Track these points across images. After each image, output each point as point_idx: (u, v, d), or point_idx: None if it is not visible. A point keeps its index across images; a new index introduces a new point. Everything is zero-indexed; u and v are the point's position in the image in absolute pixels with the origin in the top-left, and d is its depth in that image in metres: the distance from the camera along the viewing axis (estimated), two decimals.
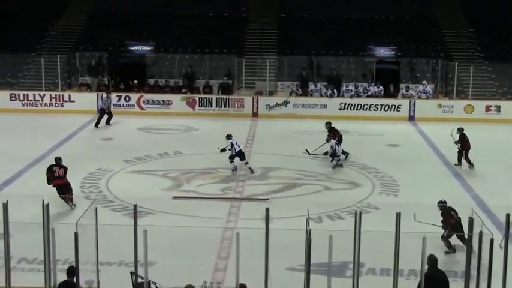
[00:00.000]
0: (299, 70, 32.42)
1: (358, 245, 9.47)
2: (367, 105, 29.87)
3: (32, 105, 29.91)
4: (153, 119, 28.33)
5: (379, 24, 35.65)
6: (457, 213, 14.24)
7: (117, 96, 29.76)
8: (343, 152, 22.01)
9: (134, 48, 33.19)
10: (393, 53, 33.51)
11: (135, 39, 33.53)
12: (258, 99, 30.14)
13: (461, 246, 13.72)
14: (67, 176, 17.08)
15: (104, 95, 28.53)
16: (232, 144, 20.57)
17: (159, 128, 25.93)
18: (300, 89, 31.12)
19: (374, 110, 29.77)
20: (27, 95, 30.08)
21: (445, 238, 14.24)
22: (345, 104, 29.95)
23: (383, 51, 33.46)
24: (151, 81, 32.04)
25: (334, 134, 22.73)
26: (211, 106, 29.98)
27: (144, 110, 29.76)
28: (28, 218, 11.42)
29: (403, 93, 31.09)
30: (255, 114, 29.79)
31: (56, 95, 30.07)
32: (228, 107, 29.91)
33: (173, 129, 26.67)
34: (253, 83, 32.62)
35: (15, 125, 26.85)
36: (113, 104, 28.79)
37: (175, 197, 17.90)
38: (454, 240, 14.17)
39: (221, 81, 31.59)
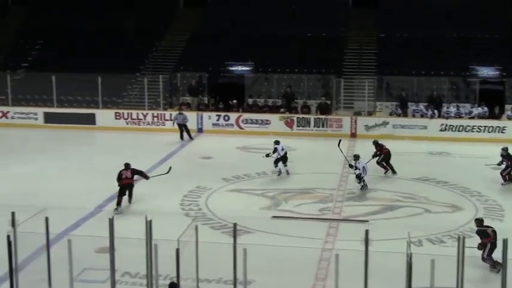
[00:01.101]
0: (398, 90, 31.97)
1: (462, 271, 9.20)
2: (469, 126, 29.12)
3: (135, 124, 30.83)
4: (252, 138, 28.59)
5: (482, 43, 34.75)
6: (494, 232, 13.97)
7: (216, 115, 30.27)
8: (392, 169, 22.30)
9: (234, 68, 33.63)
10: (498, 72, 32.55)
11: (235, 60, 34.01)
12: (356, 120, 29.94)
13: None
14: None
15: (177, 112, 29.45)
16: (276, 149, 22.12)
17: (258, 147, 26.13)
18: (399, 110, 30.68)
19: (477, 131, 28.97)
20: (131, 113, 31.05)
21: (487, 258, 13.84)
22: (446, 125, 29.31)
23: (487, 71, 32.54)
24: (250, 100, 32.37)
25: (380, 150, 22.68)
26: (309, 126, 29.98)
27: (243, 129, 30.09)
28: (131, 234, 11.70)
29: (508, 115, 30.12)
30: (353, 135, 29.58)
31: (157, 113, 30.88)
32: (326, 127, 29.83)
33: (271, 148, 26.73)
34: (352, 103, 32.41)
35: (119, 143, 27.67)
36: (212, 123, 29.75)
37: (274, 217, 17.93)
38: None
39: (319, 101, 31.52)
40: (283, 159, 22.36)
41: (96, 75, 31.46)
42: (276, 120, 30.09)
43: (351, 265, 10.21)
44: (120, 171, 18.84)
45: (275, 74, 33.76)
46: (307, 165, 23.78)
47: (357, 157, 20.79)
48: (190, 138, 28.62)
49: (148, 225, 9.97)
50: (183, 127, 28.72)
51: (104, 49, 35.70)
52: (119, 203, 18.33)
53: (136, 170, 19.14)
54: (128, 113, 31.10)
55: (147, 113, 31.02)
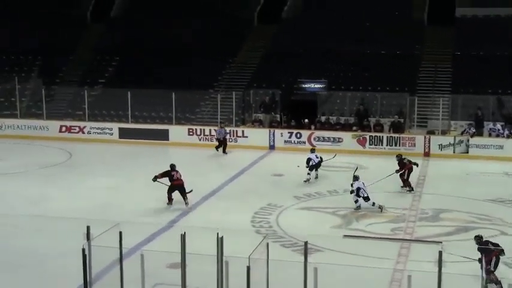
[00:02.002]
0: (474, 109, 31.33)
1: None
2: None
3: (208, 140, 31.14)
4: (324, 156, 28.33)
5: None
6: (497, 246, 13.84)
7: (288, 132, 30.34)
8: (409, 185, 22.64)
9: (306, 85, 33.64)
10: None
11: (308, 77, 34.06)
12: (430, 139, 29.47)
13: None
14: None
15: (218, 126, 30.02)
16: (310, 158, 24.12)
17: (330, 165, 26.05)
18: (473, 129, 30.05)
19: None
20: (204, 130, 31.40)
21: (491, 272, 13.49)
22: None
23: None
24: (323, 118, 32.27)
25: (402, 167, 22.67)
26: (382, 144, 29.70)
27: (315, 146, 29.95)
28: (203, 250, 11.80)
29: None
30: (426, 154, 29.12)
31: (230, 130, 31.13)
32: (399, 145, 29.48)
33: (343, 166, 26.60)
34: (426, 122, 31.94)
35: (192, 159, 27.97)
36: (284, 141, 29.98)
37: (345, 236, 17.78)
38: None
39: (392, 120, 31.19)
40: (317, 166, 24.35)
41: (171, 91, 32.03)
42: (348, 138, 29.92)
43: (423, 287, 10.03)
44: (171, 172, 20.49)
45: (348, 91, 33.58)
46: (379, 184, 23.49)
47: (356, 178, 20.53)
48: (224, 152, 29.18)
49: (220, 241, 10.03)
50: (221, 141, 29.54)
51: (178, 65, 36.29)
52: (170, 200, 20.42)
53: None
54: (200, 129, 31.46)
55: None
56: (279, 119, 32.59)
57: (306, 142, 30.19)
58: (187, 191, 20.52)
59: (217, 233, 10.18)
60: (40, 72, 38.01)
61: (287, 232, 17.95)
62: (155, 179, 20.32)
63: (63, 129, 33.07)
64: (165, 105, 33.17)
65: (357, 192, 20.30)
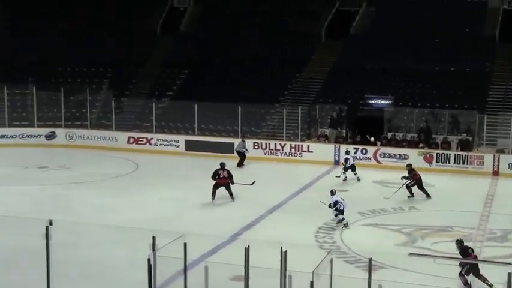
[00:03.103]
0: None
1: None
2: None
3: (273, 154, 31.25)
4: (389, 173, 28.15)
5: None
6: (473, 251, 15.06)
7: (354, 148, 30.11)
8: (426, 193, 23.72)
9: (373, 101, 33.45)
10: None
11: (375, 93, 33.85)
12: (499, 157, 28.82)
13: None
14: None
15: (240, 140, 30.48)
16: (347, 159, 26.57)
17: (396, 182, 25.78)
18: None
19: None
20: (269, 144, 31.50)
21: (463, 275, 14.62)
22: None
23: None
24: (389, 134, 31.94)
25: (413, 177, 23.78)
26: (449, 162, 29.20)
27: (380, 163, 29.76)
28: (266, 263, 11.80)
29: None
30: (495, 173, 28.49)
31: (295, 145, 31.15)
32: (467, 164, 28.93)
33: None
34: (495, 140, 31.23)
35: (256, 172, 28.02)
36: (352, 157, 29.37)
37: (411, 254, 17.50)
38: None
39: (460, 137, 30.65)
40: (352, 167, 26.55)
41: (237, 105, 32.33)
42: (414, 155, 29.51)
43: None
44: (217, 170, 22.75)
45: (415, 108, 33.14)
46: (446, 202, 23.17)
47: (332, 192, 20.79)
48: (239, 166, 29.26)
49: (283, 256, 10.02)
50: (242, 154, 29.69)
51: (245, 79, 36.56)
52: (213, 195, 22.70)
53: (229, 172, 23.13)
54: (266, 143, 31.57)
55: (284, 144, 31.35)
56: (344, 135, 32.41)
57: (372, 158, 29.99)
58: (250, 183, 23.15)
59: (281, 247, 10.18)
60: (110, 84, 38.69)
61: (351, 248, 17.85)
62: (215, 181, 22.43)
63: (131, 140, 33.63)
64: (231, 119, 33.44)
65: (335, 205, 20.33)
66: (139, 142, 33.62)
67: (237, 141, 31.57)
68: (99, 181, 26.52)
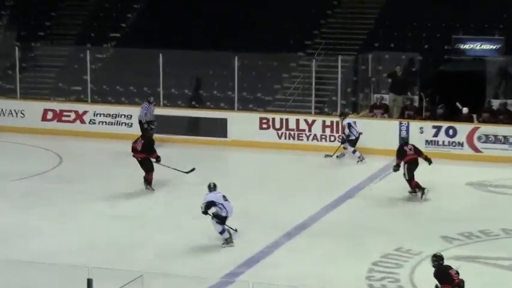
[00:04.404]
0: None
1: None
2: None
3: (293, 138, 31.53)
4: (495, 168, 28.29)
5: None
6: (458, 274, 15.89)
7: (433, 127, 30.12)
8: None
9: (467, 45, 33.35)
10: None
11: (470, 31, 33.93)
12: None
13: None
14: None
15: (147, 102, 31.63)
16: (350, 126, 29.36)
17: (505, 185, 25.65)
18: None
19: None
20: (287, 120, 31.61)
21: None
22: None
23: None
24: (495, 103, 31.85)
25: (401, 157, 25.35)
26: None
27: (480, 151, 29.90)
28: None
29: None
30: None
31: (331, 121, 31.22)
32: None
33: None
34: None
35: (265, 169, 28.24)
36: (426, 140, 30.05)
37: None
38: None
39: None
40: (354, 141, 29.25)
41: (232, 55, 32.78)
42: None
43: None
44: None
45: None
46: None
47: (213, 187, 21.52)
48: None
49: None
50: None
51: (244, 12, 36.89)
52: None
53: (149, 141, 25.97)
54: (281, 119, 31.67)
55: (313, 121, 31.42)
56: (417, 104, 32.34)
57: (465, 143, 29.98)
58: (187, 170, 25.56)
59: None
60: (11, 21, 40.10)
61: None
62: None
63: (49, 115, 34.10)
64: (222, 78, 33.56)
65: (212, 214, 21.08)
66: (64, 119, 33.72)
67: (232, 116, 31.72)
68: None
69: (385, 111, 32.25)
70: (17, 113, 34.16)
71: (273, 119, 31.76)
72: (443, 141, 30.15)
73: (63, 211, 23.75)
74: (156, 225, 22.76)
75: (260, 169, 27.98)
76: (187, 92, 34.82)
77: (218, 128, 32.07)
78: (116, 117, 33.27)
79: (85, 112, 33.49)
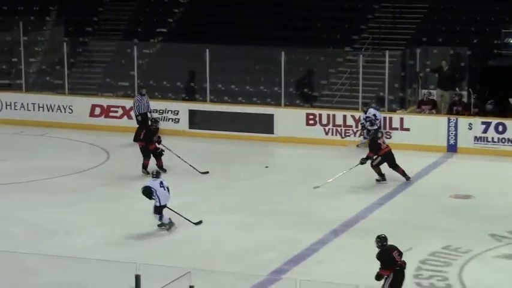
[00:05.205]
0: None
1: None
2: None
3: (339, 134, 31.32)
4: None
5: None
6: (401, 255, 16.43)
7: (482, 123, 29.97)
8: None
9: None
10: None
11: None
12: None
13: None
14: None
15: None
16: (375, 116, 29.89)
17: None
18: None
19: None
20: (334, 116, 31.54)
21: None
22: None
23: None
24: None
25: (375, 150, 26.23)
26: None
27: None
28: None
29: None
30: None
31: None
32: None
33: None
34: None
35: (311, 165, 28.28)
36: (475, 137, 29.88)
37: None
38: None
39: None
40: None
41: (278, 50, 32.62)
42: None
43: None
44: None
45: None
46: None
47: (156, 174, 22.59)
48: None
49: None
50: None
51: (290, 8, 36.96)
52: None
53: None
54: (328, 115, 31.62)
55: (360, 117, 31.14)
56: (465, 100, 32.13)
57: None
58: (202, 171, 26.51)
59: None
60: (60, 16, 40.10)
61: None
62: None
63: (97, 111, 34.27)
64: (270, 75, 33.56)
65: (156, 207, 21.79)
66: (111, 114, 33.89)
67: (279, 112, 31.71)
68: (42, 182, 26.65)
69: (433, 107, 32.04)
70: (65, 109, 34.33)
71: (320, 115, 31.75)
72: (493, 138, 29.91)
73: (110, 207, 23.94)
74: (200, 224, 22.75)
75: (307, 165, 27.92)
76: (233, 87, 34.77)
77: (264, 124, 32.06)
78: (162, 113, 33.30)
79: (132, 108, 33.58)
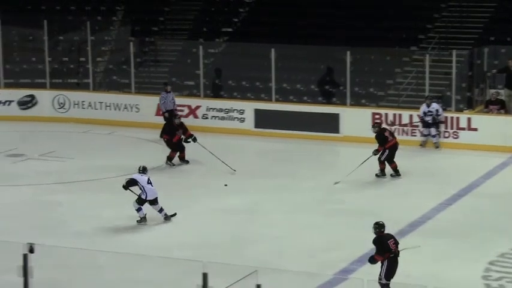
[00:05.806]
0: None
1: None
2: None
3: (406, 134, 31.38)
4: None
5: None
6: (396, 244, 17.19)
7: None
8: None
9: None
10: None
11: None
12: None
13: None
14: None
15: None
16: (438, 112, 30.02)
17: None
18: None
19: None
20: (400, 116, 31.68)
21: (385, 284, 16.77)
22: None
23: None
24: None
25: (383, 143, 26.81)
26: None
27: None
28: None
29: None
30: None
31: (446, 117, 30.89)
32: None
33: None
34: None
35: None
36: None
37: None
38: None
39: None
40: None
41: (344, 49, 32.55)
42: None
43: None
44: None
45: None
46: None
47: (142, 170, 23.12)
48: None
49: None
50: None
51: (356, 7, 36.94)
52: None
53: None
54: (394, 115, 31.73)
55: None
56: None
57: None
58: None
59: None
60: (126, 16, 40.69)
61: None
62: None
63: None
64: (335, 73, 33.71)
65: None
66: (177, 113, 33.68)
67: (345, 111, 31.69)
68: (109, 180, 26.79)
69: (501, 107, 31.84)
70: (131, 108, 34.78)
71: (386, 115, 31.72)
72: None
73: (176, 205, 23.85)
74: (268, 220, 22.97)
75: (373, 165, 27.91)
76: (298, 86, 34.80)
77: (330, 124, 32.06)
78: (228, 112, 33.47)
79: (198, 107, 33.79)
